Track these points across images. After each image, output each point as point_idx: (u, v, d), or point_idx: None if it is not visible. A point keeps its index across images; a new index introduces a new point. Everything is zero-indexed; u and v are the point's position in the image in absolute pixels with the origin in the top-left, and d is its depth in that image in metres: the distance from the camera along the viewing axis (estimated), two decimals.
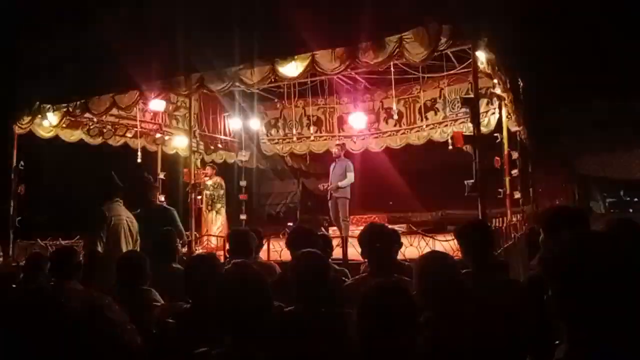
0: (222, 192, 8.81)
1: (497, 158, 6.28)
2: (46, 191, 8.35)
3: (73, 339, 0.74)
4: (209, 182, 8.74)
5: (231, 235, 4.01)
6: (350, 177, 7.90)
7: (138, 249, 4.23)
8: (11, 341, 0.74)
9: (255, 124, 10.16)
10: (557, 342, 1.29)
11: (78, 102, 6.90)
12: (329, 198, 8.00)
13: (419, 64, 5.98)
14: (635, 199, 12.37)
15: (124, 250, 4.09)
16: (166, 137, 9.05)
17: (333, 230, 7.86)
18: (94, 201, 4.32)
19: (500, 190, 6.31)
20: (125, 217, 4.30)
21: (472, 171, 4.84)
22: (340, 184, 7.82)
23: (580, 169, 11.78)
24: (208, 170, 8.90)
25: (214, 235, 7.86)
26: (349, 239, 5.38)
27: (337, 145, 8.45)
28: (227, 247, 4.25)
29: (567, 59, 9.90)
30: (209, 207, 8.66)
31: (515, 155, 6.81)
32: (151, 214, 4.73)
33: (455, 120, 8.75)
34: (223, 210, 8.80)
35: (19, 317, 0.76)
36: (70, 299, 0.76)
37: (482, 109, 7.02)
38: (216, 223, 8.55)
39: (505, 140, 6.35)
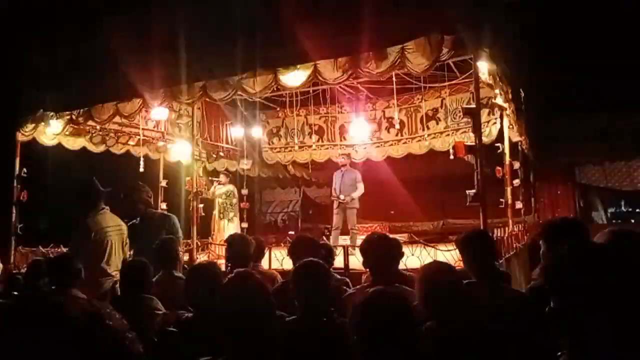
0: (234, 200, 8.80)
1: (498, 168, 6.28)
2: (48, 198, 8.36)
3: (74, 346, 0.75)
4: (222, 190, 8.74)
5: (229, 242, 3.93)
6: (362, 187, 7.89)
7: (127, 258, 4.13)
8: (14, 348, 0.75)
9: (257, 132, 10.20)
10: (558, 353, 1.29)
11: (81, 110, 6.93)
12: (335, 207, 7.95)
13: (421, 74, 6.00)
14: (637, 210, 12.32)
15: (113, 262, 3.99)
16: (169, 145, 9.06)
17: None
18: (80, 212, 4.09)
19: (501, 200, 6.31)
20: (113, 227, 4.13)
21: (473, 181, 4.83)
22: (354, 195, 7.80)
23: (582, 179, 11.76)
24: (222, 178, 8.91)
25: (215, 244, 7.84)
26: (351, 249, 5.38)
27: (343, 154, 8.42)
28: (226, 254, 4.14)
29: (569, 68, 9.93)
30: (221, 215, 8.65)
31: (516, 165, 6.81)
32: (151, 221, 4.63)
33: (457, 130, 8.75)
34: (236, 219, 8.79)
35: (22, 324, 0.77)
36: (71, 307, 0.77)
37: (483, 119, 7.03)
38: (228, 231, 8.52)
39: (506, 150, 6.35)
